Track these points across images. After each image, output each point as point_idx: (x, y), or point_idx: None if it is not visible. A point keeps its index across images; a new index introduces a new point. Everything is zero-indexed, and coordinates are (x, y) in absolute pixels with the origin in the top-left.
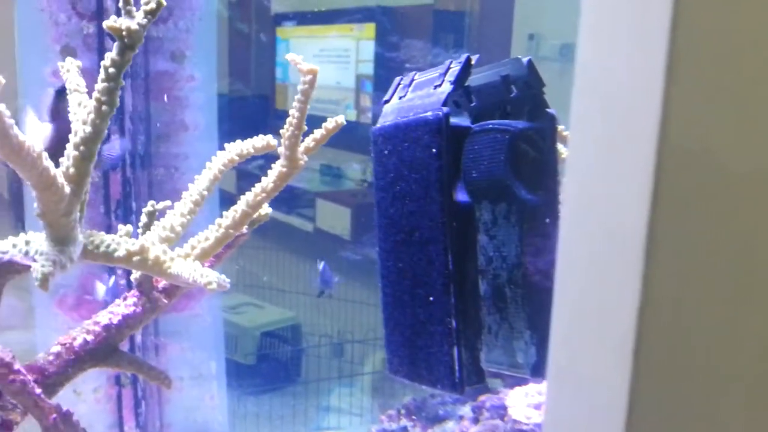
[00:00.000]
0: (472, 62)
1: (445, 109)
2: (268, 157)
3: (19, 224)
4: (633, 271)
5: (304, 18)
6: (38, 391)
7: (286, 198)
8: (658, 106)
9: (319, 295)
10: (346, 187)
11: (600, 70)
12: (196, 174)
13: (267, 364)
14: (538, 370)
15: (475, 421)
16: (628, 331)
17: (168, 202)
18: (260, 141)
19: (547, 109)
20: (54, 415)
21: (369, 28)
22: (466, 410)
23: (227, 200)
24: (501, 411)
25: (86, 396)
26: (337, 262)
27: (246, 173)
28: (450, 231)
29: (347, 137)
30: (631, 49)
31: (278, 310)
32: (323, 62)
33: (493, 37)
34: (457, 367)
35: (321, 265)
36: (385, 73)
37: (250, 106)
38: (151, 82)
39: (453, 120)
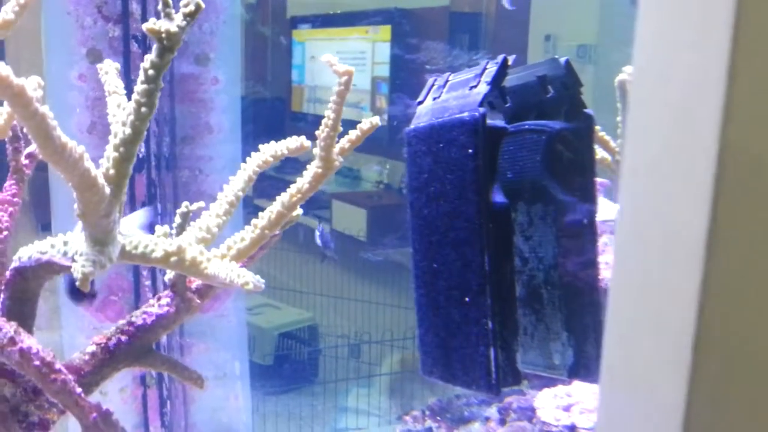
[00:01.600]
0: (509, 63)
1: (482, 110)
2: (287, 159)
3: (39, 226)
4: (692, 274)
5: (321, 20)
6: (78, 390)
7: None
8: (719, 111)
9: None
10: (363, 188)
11: (658, 75)
12: (221, 175)
13: (285, 365)
14: (575, 372)
15: (502, 422)
16: (687, 334)
17: (201, 204)
18: (294, 142)
19: (585, 110)
20: (94, 414)
21: (385, 31)
22: (492, 411)
23: (246, 202)
24: (528, 412)
25: (112, 396)
26: (353, 264)
27: (264, 175)
28: (487, 232)
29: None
30: (691, 53)
31: (295, 311)
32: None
33: (510, 38)
34: (493, 368)
35: (319, 229)
36: (401, 74)
37: (267, 108)
38: (176, 85)
39: (489, 121)
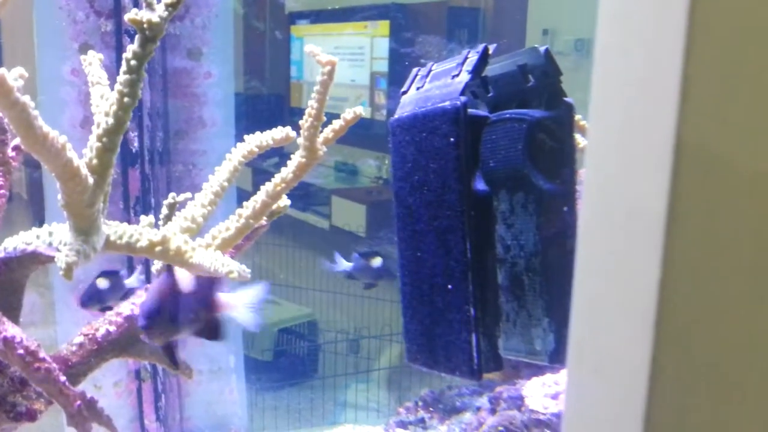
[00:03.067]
0: (490, 52)
1: (463, 99)
2: (283, 155)
3: (37, 224)
4: (653, 248)
5: (319, 16)
6: (63, 378)
7: (302, 195)
8: (676, 89)
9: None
10: (362, 184)
11: (619, 53)
12: (214, 169)
13: (284, 360)
14: (556, 357)
15: (492, 412)
16: (649, 309)
17: (188, 194)
18: (279, 133)
19: (565, 98)
20: (79, 402)
21: (383, 26)
22: (483, 401)
23: (244, 198)
24: (518, 401)
25: (107, 390)
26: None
27: (261, 171)
28: (468, 219)
29: (362, 134)
30: (649, 31)
31: (295, 307)
32: (341, 60)
33: (508, 33)
34: (475, 354)
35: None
36: (400, 69)
37: (265, 105)
38: (169, 79)
39: (471, 110)
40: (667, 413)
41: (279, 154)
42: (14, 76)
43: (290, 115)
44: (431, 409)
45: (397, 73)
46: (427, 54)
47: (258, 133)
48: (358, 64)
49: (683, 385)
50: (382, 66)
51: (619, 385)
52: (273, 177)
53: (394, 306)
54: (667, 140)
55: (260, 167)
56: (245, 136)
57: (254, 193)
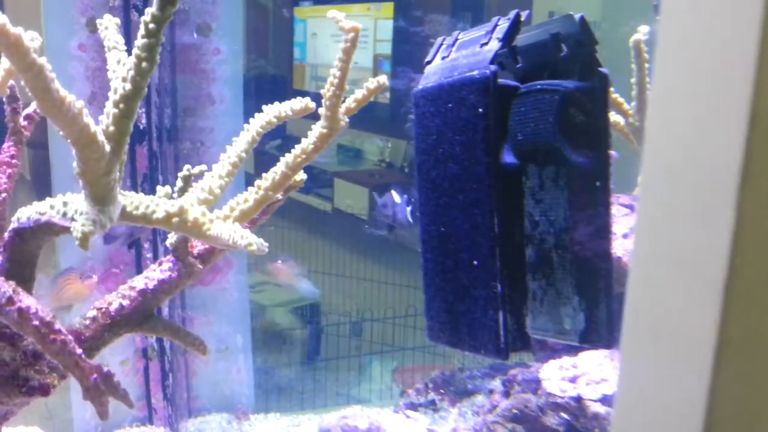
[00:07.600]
0: (522, 19)
1: (493, 67)
2: (286, 137)
3: None
4: (725, 205)
5: None
6: (79, 351)
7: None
8: (756, 33)
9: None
10: (364, 167)
11: None
12: (222, 148)
13: (287, 342)
14: (586, 337)
15: (506, 395)
16: (719, 268)
17: (203, 167)
18: (298, 103)
19: (600, 68)
20: (95, 375)
21: (387, 8)
22: (496, 384)
23: (249, 182)
24: (533, 385)
25: (114, 369)
26: (355, 242)
27: (263, 153)
28: (496, 193)
29: (365, 117)
30: None
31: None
32: (341, 42)
33: None
34: (502, 332)
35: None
36: (403, 52)
37: (269, 85)
38: (177, 55)
39: (500, 79)
40: (734, 389)
41: (282, 136)
42: (30, 37)
43: (294, 97)
44: (442, 390)
45: (400, 56)
46: (431, 35)
47: (276, 103)
48: (361, 47)
49: (753, 357)
50: (386, 48)
51: (680, 356)
52: (276, 160)
53: (397, 289)
54: (744, 90)
55: (263, 149)
56: (264, 107)
57: (257, 176)
